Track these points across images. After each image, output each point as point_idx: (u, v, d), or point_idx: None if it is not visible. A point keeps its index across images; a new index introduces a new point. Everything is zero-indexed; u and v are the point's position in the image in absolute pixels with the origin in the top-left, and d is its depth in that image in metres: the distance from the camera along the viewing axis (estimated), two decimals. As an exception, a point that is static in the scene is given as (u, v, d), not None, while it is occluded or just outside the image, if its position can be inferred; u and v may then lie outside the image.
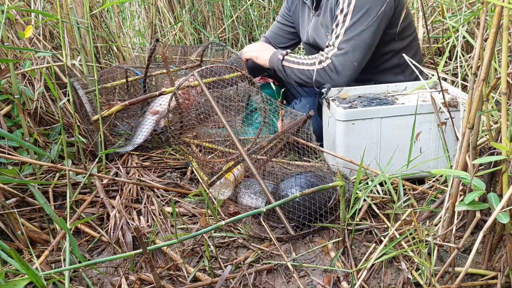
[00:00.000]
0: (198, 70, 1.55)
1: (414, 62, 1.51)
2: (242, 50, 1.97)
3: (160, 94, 1.68)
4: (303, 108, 1.74)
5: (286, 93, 2.10)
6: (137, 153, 1.77)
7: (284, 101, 2.08)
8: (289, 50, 1.79)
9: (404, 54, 1.60)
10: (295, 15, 1.98)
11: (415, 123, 1.35)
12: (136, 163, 1.69)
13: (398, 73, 1.80)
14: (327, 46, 1.69)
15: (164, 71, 1.84)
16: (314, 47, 1.87)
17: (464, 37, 1.84)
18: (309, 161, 1.51)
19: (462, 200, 0.94)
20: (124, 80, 1.86)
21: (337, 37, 1.64)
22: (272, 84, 1.98)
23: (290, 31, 2.05)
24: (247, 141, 1.69)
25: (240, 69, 1.71)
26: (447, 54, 1.80)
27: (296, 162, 1.57)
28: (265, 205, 1.34)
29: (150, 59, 1.80)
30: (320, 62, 1.66)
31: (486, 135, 1.33)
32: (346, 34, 1.63)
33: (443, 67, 2.19)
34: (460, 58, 1.74)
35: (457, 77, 1.94)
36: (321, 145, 1.66)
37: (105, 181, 1.53)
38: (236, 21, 3.19)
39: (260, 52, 1.86)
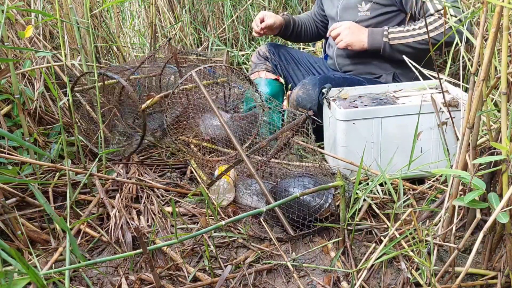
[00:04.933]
0: (196, 69, 1.54)
1: (414, 64, 1.51)
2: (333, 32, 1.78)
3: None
4: (313, 79, 1.70)
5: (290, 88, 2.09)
6: (137, 154, 1.77)
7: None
8: (386, 28, 1.71)
9: (405, 56, 1.60)
10: None
11: (418, 123, 1.35)
12: (136, 162, 1.69)
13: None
14: (436, 11, 1.64)
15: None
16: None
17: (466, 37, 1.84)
18: (307, 159, 1.51)
19: (462, 200, 0.94)
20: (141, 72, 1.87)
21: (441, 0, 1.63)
22: (277, 81, 1.96)
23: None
24: (244, 140, 1.69)
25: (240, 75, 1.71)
26: (451, 55, 1.79)
27: (296, 163, 1.57)
28: (265, 205, 1.34)
29: (168, 61, 1.82)
30: (446, 23, 1.59)
31: (486, 135, 1.33)
32: None
33: (444, 66, 2.19)
34: (462, 58, 1.74)
35: (458, 77, 1.94)
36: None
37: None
38: (236, 21, 3.19)
39: (352, 38, 1.73)
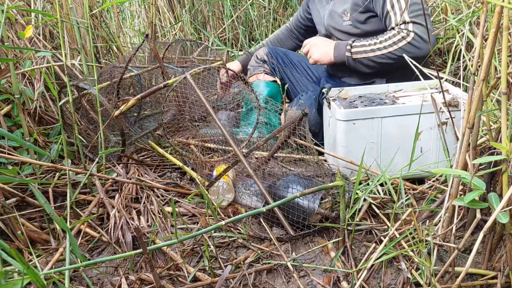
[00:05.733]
0: (191, 71, 1.54)
1: (414, 62, 1.51)
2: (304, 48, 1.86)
3: (165, 86, 1.67)
4: (309, 99, 1.74)
5: (288, 90, 2.10)
6: (137, 154, 1.77)
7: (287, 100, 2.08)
8: (351, 42, 1.72)
9: (405, 55, 1.60)
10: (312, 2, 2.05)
11: (419, 123, 1.35)
12: (136, 161, 1.69)
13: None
14: (396, 25, 1.67)
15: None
16: (329, 31, 1.90)
17: (467, 37, 1.84)
18: (305, 157, 1.51)
19: (462, 200, 0.94)
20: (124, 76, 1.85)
21: (402, 14, 1.65)
22: (276, 82, 1.97)
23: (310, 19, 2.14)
24: (241, 141, 1.69)
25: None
26: (451, 55, 1.79)
27: (294, 155, 1.57)
28: (264, 205, 1.34)
29: (163, 57, 1.81)
30: (403, 38, 1.63)
31: (486, 135, 1.33)
32: (409, 8, 1.65)
33: (444, 66, 2.19)
34: (463, 58, 1.74)
35: (459, 77, 1.94)
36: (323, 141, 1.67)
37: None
38: (236, 21, 3.19)
39: (319, 54, 1.78)
